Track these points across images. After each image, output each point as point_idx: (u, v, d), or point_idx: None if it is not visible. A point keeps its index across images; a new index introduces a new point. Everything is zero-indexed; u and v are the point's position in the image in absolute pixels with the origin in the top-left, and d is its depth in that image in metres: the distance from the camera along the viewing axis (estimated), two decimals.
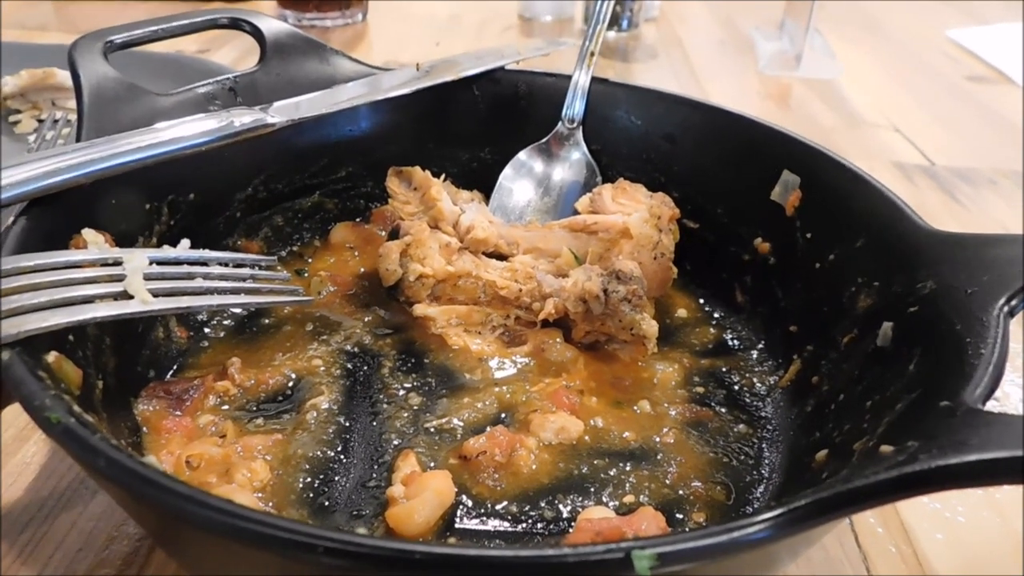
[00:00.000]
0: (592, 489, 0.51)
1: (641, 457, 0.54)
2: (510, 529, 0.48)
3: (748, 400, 0.60)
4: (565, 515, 0.49)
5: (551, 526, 0.48)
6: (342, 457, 0.52)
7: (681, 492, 0.51)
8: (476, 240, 0.66)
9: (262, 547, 0.28)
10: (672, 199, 0.68)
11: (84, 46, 0.61)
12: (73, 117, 0.99)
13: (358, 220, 0.77)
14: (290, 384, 0.57)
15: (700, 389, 0.61)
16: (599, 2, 0.79)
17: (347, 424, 0.54)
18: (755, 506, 0.51)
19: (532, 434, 0.54)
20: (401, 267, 0.63)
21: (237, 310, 0.64)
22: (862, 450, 0.42)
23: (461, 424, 0.55)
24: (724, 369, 0.63)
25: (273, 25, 0.71)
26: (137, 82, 0.61)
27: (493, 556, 0.29)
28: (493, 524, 0.48)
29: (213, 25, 0.70)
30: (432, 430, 0.54)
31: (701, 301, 0.71)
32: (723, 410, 0.59)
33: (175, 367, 0.59)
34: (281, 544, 0.28)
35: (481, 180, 0.77)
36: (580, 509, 0.49)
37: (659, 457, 0.54)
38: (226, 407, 0.55)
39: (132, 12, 1.54)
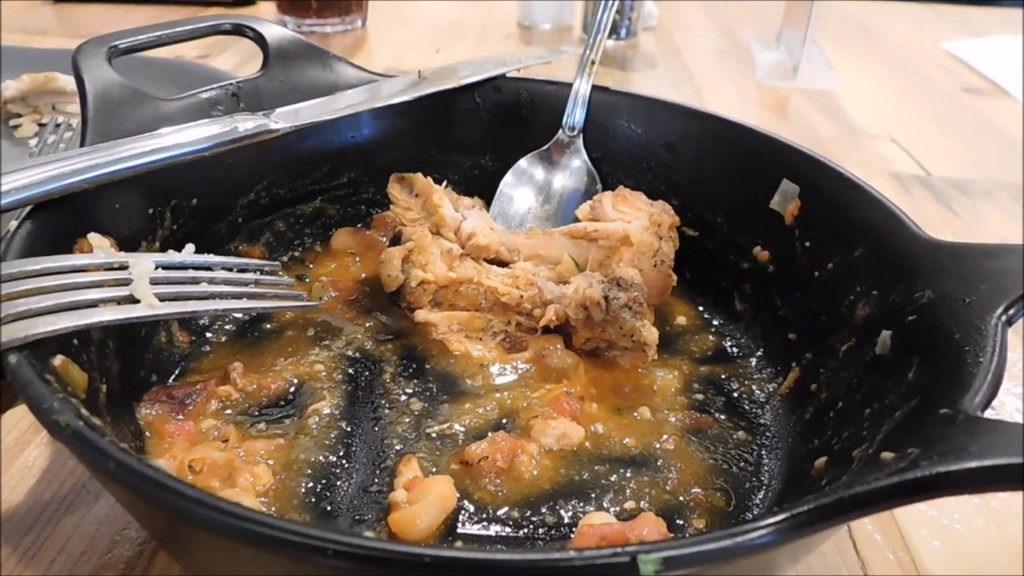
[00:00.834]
0: (593, 495, 0.51)
1: (641, 463, 0.54)
2: (512, 534, 0.48)
3: (747, 407, 0.60)
4: (566, 520, 0.49)
5: (552, 531, 0.49)
6: (344, 462, 0.52)
7: (681, 498, 0.52)
8: (478, 246, 0.66)
9: (272, 550, 0.29)
10: (672, 207, 0.68)
11: (88, 51, 0.61)
12: (74, 121, 1.00)
13: (359, 226, 0.77)
14: (292, 389, 0.58)
15: (700, 396, 0.61)
16: (600, 11, 0.80)
17: (349, 429, 0.55)
18: (755, 512, 0.52)
19: (533, 440, 0.54)
20: (403, 273, 0.63)
21: (239, 315, 0.64)
22: (862, 457, 0.43)
23: (463, 429, 0.55)
24: (723, 376, 0.63)
25: (276, 31, 0.71)
26: (139, 87, 0.61)
27: (501, 560, 0.29)
28: (495, 529, 0.48)
29: (217, 31, 0.70)
30: (434, 435, 0.55)
31: (700, 309, 0.71)
32: (722, 417, 0.59)
33: (177, 371, 0.59)
34: (291, 547, 0.28)
35: (482, 187, 0.77)
36: (581, 515, 0.49)
37: (659, 463, 0.54)
38: (228, 412, 0.55)
39: (133, 18, 1.55)
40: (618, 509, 0.50)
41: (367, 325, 0.65)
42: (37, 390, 0.36)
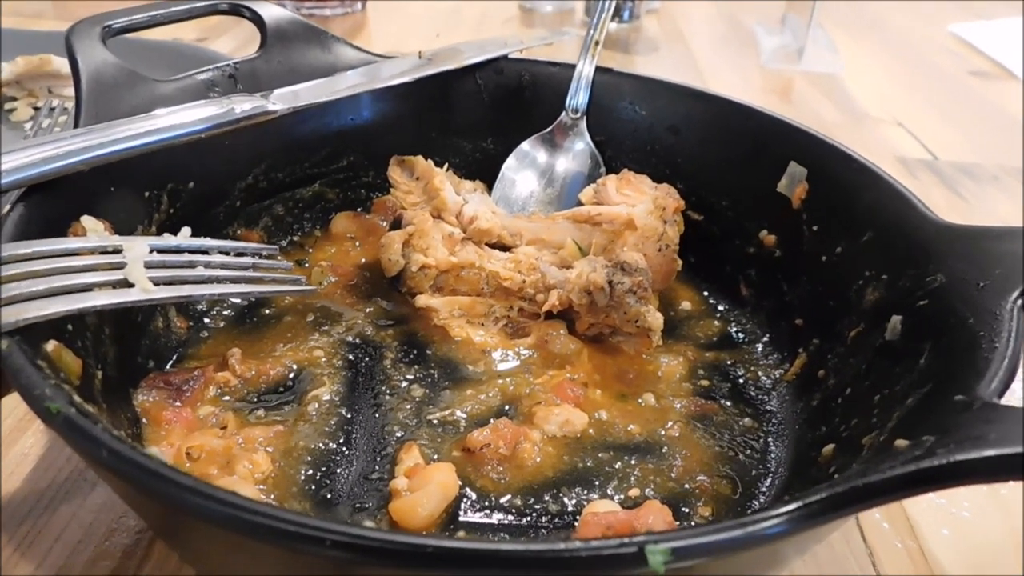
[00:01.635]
0: (597, 482, 0.50)
1: (646, 450, 0.53)
2: (515, 522, 0.47)
3: (753, 394, 0.59)
4: (570, 508, 0.48)
5: (556, 519, 0.48)
6: (344, 449, 0.51)
7: (687, 486, 0.51)
8: (479, 231, 0.65)
9: (268, 540, 0.28)
10: (677, 190, 0.67)
11: (82, 31, 0.60)
12: (69, 104, 0.98)
13: (359, 210, 0.76)
14: (291, 375, 0.57)
15: (705, 382, 0.60)
16: None
17: (349, 416, 0.54)
18: (761, 500, 0.51)
19: (536, 427, 0.53)
20: (403, 258, 0.62)
21: (237, 300, 0.63)
22: (872, 444, 0.42)
23: (464, 416, 0.55)
24: (729, 362, 0.62)
25: (274, 12, 0.70)
26: (135, 69, 0.60)
27: (505, 550, 0.28)
28: (497, 517, 0.48)
29: (213, 11, 0.69)
30: (435, 422, 0.54)
31: (705, 294, 0.70)
32: (728, 404, 0.58)
33: (175, 357, 0.58)
34: (288, 537, 0.27)
35: (484, 170, 0.76)
36: (585, 502, 0.49)
37: (664, 451, 0.53)
38: (227, 398, 0.54)
39: (129, 1, 1.53)
40: (622, 497, 0.50)
41: (367, 310, 0.64)
42: (28, 376, 0.35)
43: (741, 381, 0.61)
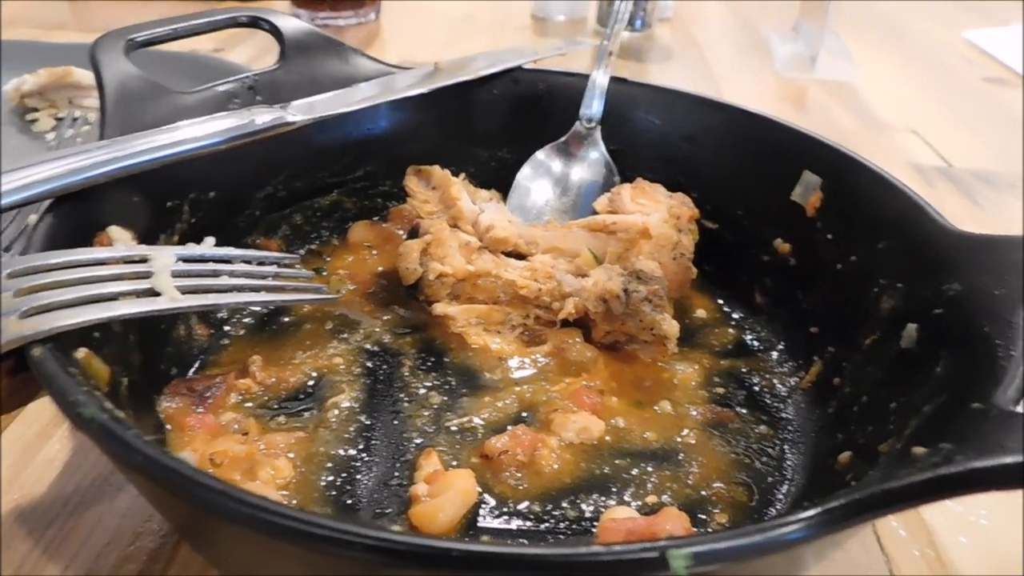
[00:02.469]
0: (614, 489, 0.51)
1: (663, 457, 0.54)
2: (533, 528, 0.48)
3: (769, 401, 0.60)
4: (588, 515, 0.49)
5: (574, 525, 0.48)
6: (364, 455, 0.52)
7: (703, 493, 0.51)
8: (496, 239, 0.66)
9: (301, 543, 0.28)
10: (691, 199, 0.68)
11: (106, 44, 0.61)
12: (91, 115, 1.00)
13: (376, 219, 0.77)
14: (311, 382, 0.58)
15: (721, 390, 0.60)
16: (617, 1, 0.79)
17: (368, 423, 0.54)
18: (778, 507, 0.51)
19: (554, 434, 0.54)
20: (421, 266, 0.63)
21: (257, 308, 0.64)
22: (889, 452, 0.42)
23: (482, 423, 0.55)
24: (744, 370, 0.63)
25: (292, 24, 0.71)
26: (158, 81, 0.61)
27: (531, 554, 0.29)
28: (516, 523, 0.48)
29: (233, 23, 0.70)
30: (454, 429, 0.55)
31: (720, 302, 0.70)
32: (744, 411, 0.59)
33: (197, 364, 0.59)
34: (320, 540, 0.28)
35: (498, 179, 0.77)
36: (603, 509, 0.49)
37: (680, 457, 0.54)
38: (248, 405, 0.55)
39: (148, 11, 1.54)
40: (640, 503, 0.50)
41: (385, 318, 0.65)
42: (62, 383, 0.36)
43: (757, 389, 0.61)
